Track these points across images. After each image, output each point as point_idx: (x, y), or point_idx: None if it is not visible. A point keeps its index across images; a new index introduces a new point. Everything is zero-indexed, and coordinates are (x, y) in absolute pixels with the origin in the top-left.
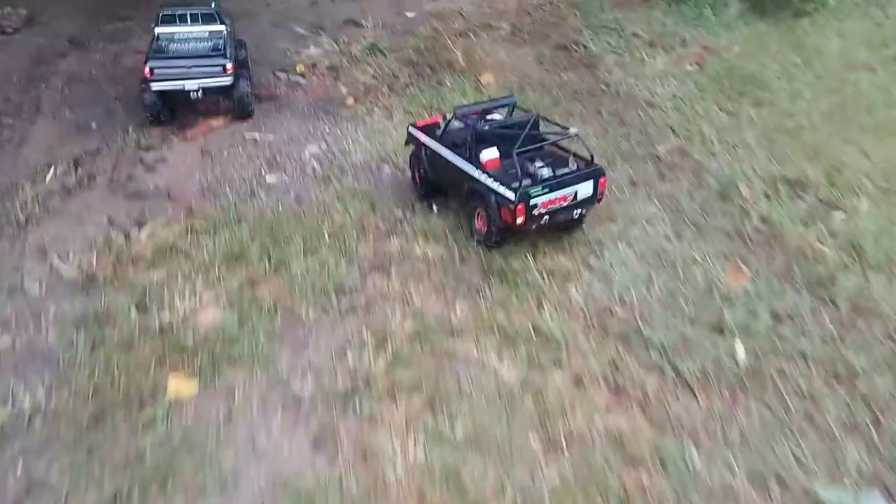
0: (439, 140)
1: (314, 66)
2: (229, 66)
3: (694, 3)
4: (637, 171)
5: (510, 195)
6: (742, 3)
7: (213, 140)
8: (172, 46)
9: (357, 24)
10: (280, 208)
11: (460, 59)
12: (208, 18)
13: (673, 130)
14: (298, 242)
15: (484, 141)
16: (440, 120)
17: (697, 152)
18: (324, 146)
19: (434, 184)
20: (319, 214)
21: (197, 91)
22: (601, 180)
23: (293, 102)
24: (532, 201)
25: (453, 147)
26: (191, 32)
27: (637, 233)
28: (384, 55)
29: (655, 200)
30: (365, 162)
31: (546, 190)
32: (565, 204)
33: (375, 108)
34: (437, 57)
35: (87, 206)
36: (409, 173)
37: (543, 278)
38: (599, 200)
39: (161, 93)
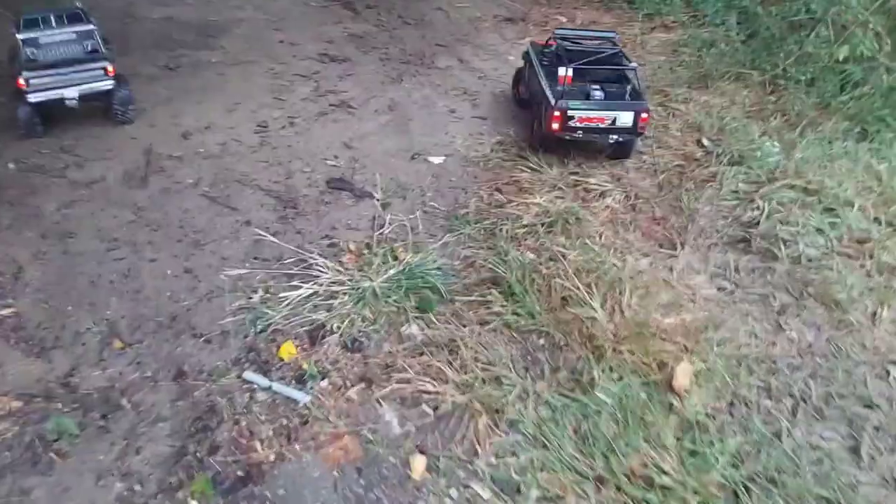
0: (539, 57)
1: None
2: (110, 67)
3: None
4: None
5: (552, 100)
6: None
7: None
8: (43, 53)
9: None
10: None
11: (600, 312)
12: (74, 18)
13: None
14: None
15: (567, 62)
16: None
17: None
18: None
19: (526, 100)
20: None
21: (74, 99)
22: (643, 114)
23: None
24: (570, 112)
25: (543, 65)
26: (56, 35)
27: None
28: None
29: None
30: None
31: (585, 106)
32: (602, 125)
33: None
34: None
35: None
36: None
37: None
38: (640, 134)
39: (36, 104)
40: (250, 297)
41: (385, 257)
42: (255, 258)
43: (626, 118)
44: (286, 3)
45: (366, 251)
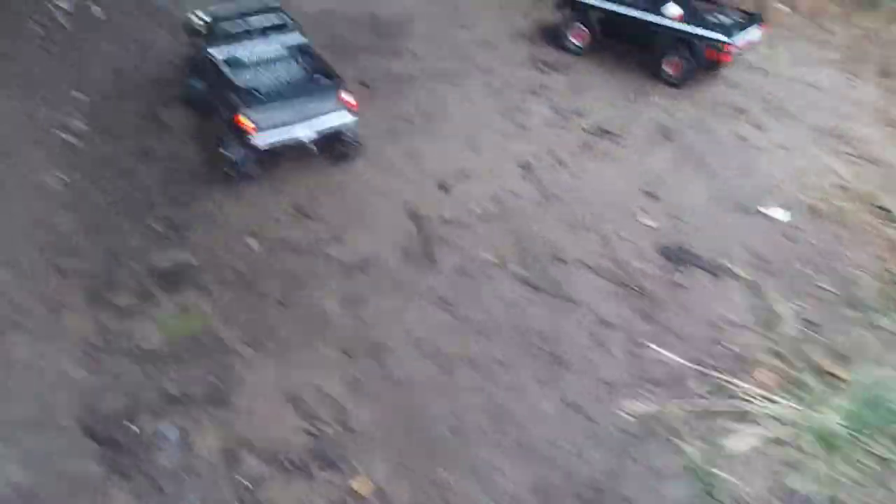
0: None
1: None
2: (348, 96)
3: None
4: None
5: (724, 38)
6: None
7: None
8: (257, 79)
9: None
10: None
11: None
12: (279, 28)
13: None
14: None
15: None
16: None
17: None
18: None
19: (603, 40)
20: None
21: (313, 139)
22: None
23: None
24: (735, 40)
25: (632, 6)
26: (262, 51)
27: None
28: None
29: None
30: None
31: (744, 33)
32: (745, 44)
33: None
34: None
35: None
36: None
37: None
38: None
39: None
40: (682, 449)
41: (817, 374)
42: (646, 380)
43: (755, 33)
44: None
45: (784, 365)
